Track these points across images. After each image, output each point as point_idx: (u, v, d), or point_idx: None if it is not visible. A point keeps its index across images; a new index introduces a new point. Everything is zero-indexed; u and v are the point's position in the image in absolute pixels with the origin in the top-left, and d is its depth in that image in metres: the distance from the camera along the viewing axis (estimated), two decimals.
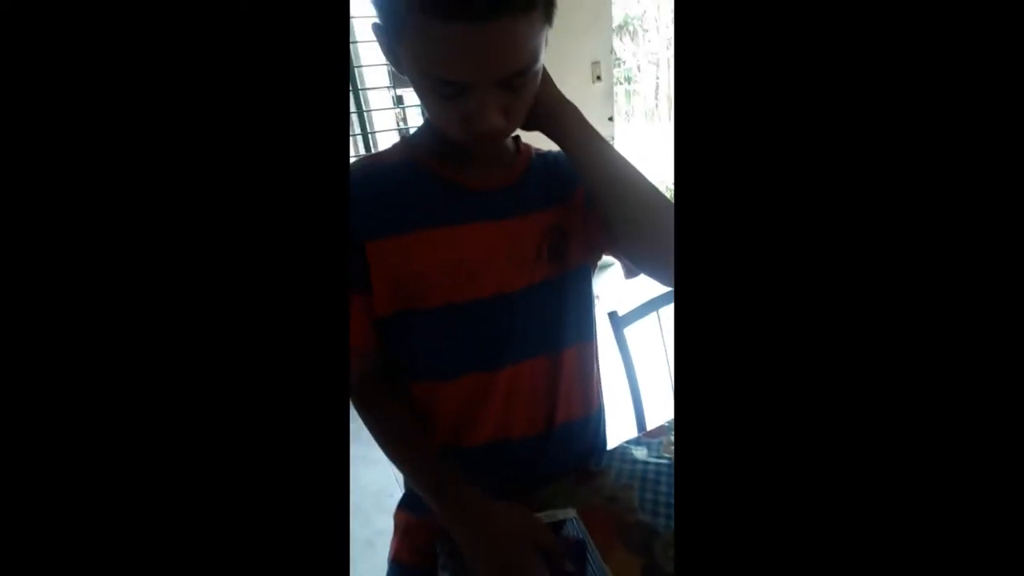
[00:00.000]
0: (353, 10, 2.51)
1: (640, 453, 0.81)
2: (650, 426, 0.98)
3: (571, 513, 0.65)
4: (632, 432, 0.91)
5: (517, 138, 0.67)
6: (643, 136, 8.33)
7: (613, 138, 3.09)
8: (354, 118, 2.52)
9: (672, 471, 0.75)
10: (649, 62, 10.27)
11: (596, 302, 2.73)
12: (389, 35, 0.49)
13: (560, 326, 0.66)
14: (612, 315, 1.07)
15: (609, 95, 3.01)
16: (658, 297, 1.12)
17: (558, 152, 0.66)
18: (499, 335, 0.61)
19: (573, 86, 2.88)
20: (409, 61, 0.49)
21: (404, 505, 0.74)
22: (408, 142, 0.65)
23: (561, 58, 2.81)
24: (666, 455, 0.80)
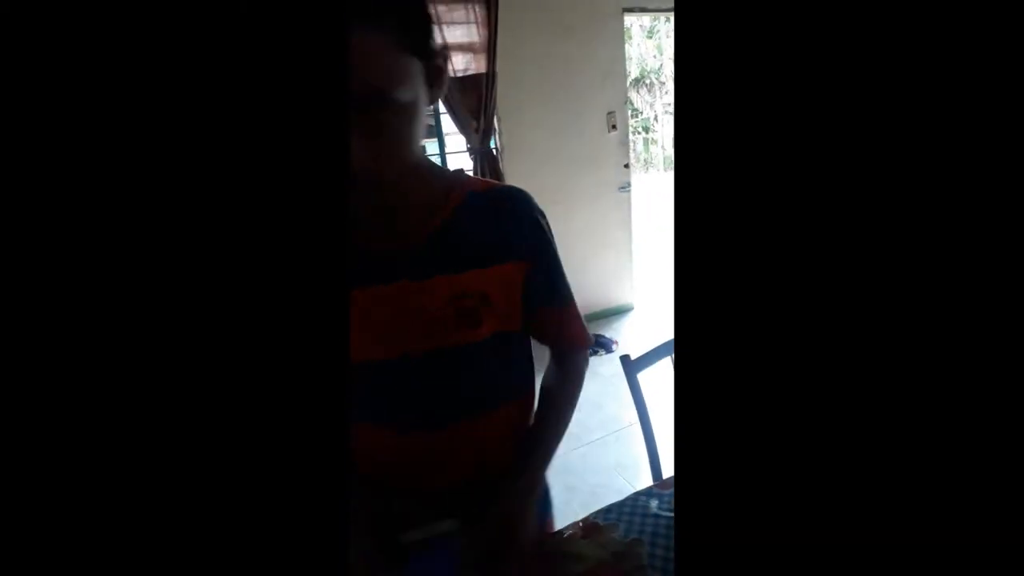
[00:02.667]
0: None
1: (652, 505, 0.77)
2: (666, 475, 0.94)
3: (447, 527, 0.59)
4: (647, 481, 0.88)
5: (450, 181, 0.58)
6: (663, 182, 8.46)
7: (629, 184, 3.13)
8: None
9: None
10: (666, 112, 10.51)
11: (614, 347, 2.67)
12: None
13: (478, 391, 0.60)
14: (624, 359, 1.04)
15: (625, 143, 3.07)
16: (672, 341, 1.10)
17: (503, 195, 0.60)
18: (408, 398, 0.58)
19: (589, 135, 2.95)
20: None
21: None
22: None
23: (578, 108, 2.90)
24: None
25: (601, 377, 2.40)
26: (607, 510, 0.76)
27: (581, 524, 0.74)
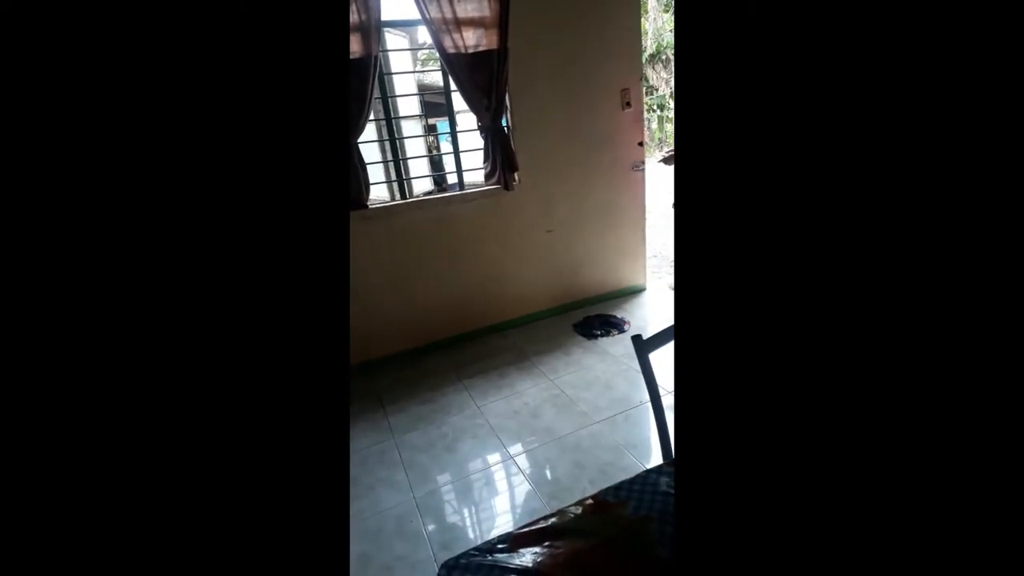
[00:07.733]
0: (389, 43, 2.61)
1: (662, 483, 0.78)
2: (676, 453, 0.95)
3: None
4: (657, 459, 0.88)
5: None
6: None
7: (643, 163, 3.08)
8: (386, 145, 2.60)
9: None
10: None
11: (626, 327, 3.02)
12: None
13: None
14: (636, 339, 1.04)
15: (639, 120, 3.02)
16: None
17: None
18: None
19: (604, 112, 2.90)
20: None
21: None
22: None
23: (592, 85, 2.84)
24: None
25: (612, 357, 2.40)
26: (617, 487, 0.77)
27: (591, 500, 0.75)
